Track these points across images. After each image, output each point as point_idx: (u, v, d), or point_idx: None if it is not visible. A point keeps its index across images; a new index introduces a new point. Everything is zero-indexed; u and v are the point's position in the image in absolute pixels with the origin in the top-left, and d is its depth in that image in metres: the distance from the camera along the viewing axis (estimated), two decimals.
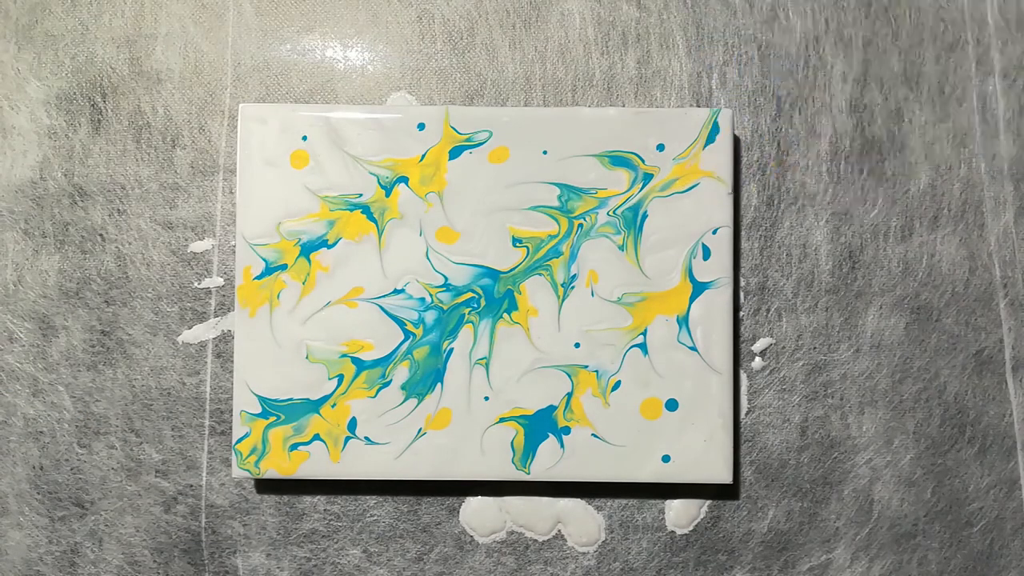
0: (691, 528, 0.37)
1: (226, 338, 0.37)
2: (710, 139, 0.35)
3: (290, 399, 0.35)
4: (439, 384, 0.35)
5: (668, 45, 0.38)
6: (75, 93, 0.38)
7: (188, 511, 0.37)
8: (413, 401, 0.35)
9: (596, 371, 0.35)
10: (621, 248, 0.35)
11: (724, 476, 0.35)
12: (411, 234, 0.35)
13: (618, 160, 0.35)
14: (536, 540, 0.37)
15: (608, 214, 0.35)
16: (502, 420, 0.35)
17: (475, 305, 0.35)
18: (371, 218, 0.35)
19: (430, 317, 0.35)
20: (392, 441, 0.35)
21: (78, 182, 0.37)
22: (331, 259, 0.35)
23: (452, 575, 0.37)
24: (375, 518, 0.37)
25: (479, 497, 0.37)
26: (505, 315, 0.35)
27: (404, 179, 0.35)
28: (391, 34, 0.38)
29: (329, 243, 0.35)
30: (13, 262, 0.37)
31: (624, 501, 0.37)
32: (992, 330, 0.37)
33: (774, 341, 0.37)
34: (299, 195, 0.35)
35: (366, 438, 0.35)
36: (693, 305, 0.35)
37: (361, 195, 0.35)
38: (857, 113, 0.38)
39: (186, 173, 0.37)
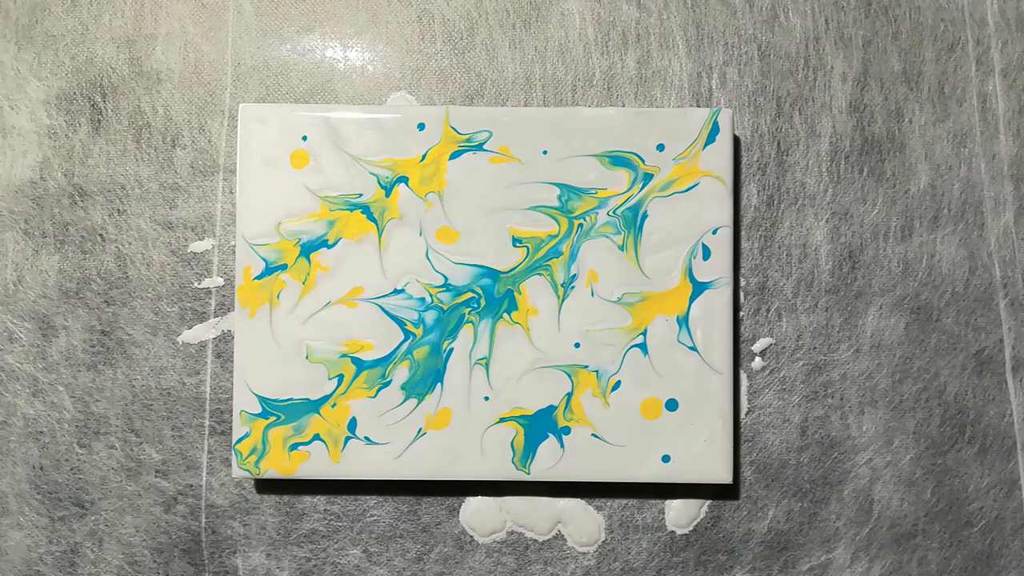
0: (691, 528, 0.37)
1: (226, 338, 0.37)
2: (710, 139, 0.35)
3: (290, 399, 0.35)
4: (439, 384, 0.35)
5: (668, 45, 0.38)
6: (75, 93, 0.38)
7: (188, 511, 0.37)
8: (413, 401, 0.35)
9: (596, 371, 0.35)
10: (621, 248, 0.35)
11: (724, 476, 0.35)
12: (411, 234, 0.35)
13: (618, 160, 0.35)
14: (536, 540, 0.37)
15: (608, 214, 0.35)
16: (502, 420, 0.35)
17: (475, 305, 0.35)
18: (371, 218, 0.35)
19: (430, 317, 0.35)
20: (392, 441, 0.35)
21: (78, 182, 0.37)
22: (331, 259, 0.35)
23: (452, 575, 0.37)
24: (375, 518, 0.37)
25: (479, 497, 0.37)
26: (505, 315, 0.35)
27: (404, 179, 0.35)
28: (391, 34, 0.38)
29: (329, 243, 0.35)
30: (13, 262, 0.37)
31: (624, 501, 0.37)
32: (992, 330, 0.37)
33: (774, 341, 0.37)
34: (299, 195, 0.35)
35: (366, 438, 0.35)
36: (693, 305, 0.35)
37: (361, 195, 0.35)
38: (857, 113, 0.38)
39: (186, 173, 0.37)
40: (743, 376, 0.37)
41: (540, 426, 0.35)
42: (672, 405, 0.35)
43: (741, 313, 0.37)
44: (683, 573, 0.37)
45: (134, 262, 0.37)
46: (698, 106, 0.37)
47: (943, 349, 0.37)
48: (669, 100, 0.37)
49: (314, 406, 0.35)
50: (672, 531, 0.37)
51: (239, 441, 0.35)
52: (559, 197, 0.35)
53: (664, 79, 0.38)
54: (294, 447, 0.35)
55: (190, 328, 0.37)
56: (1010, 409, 0.37)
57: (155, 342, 0.37)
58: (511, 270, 0.35)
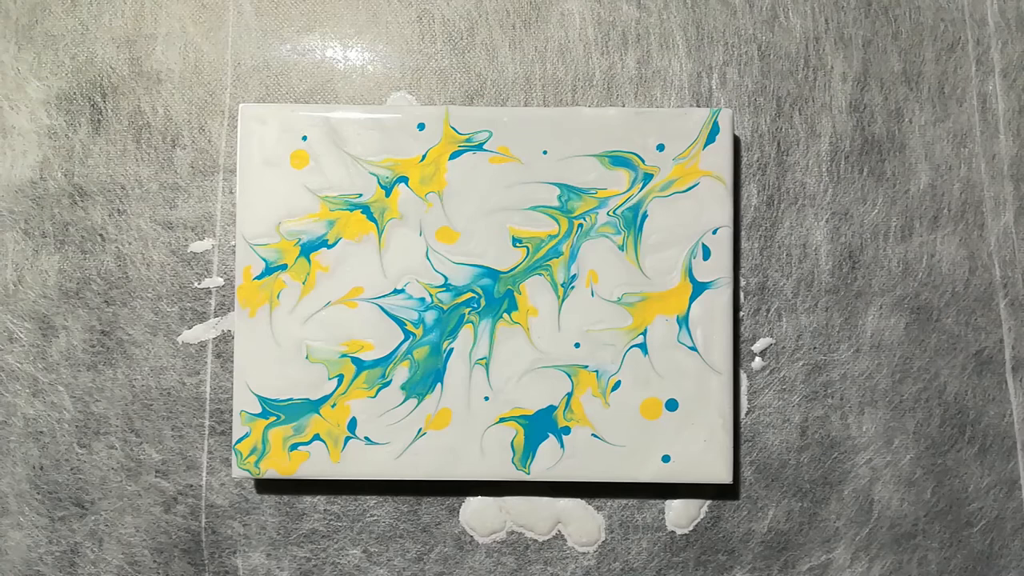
0: (691, 528, 0.37)
1: (226, 338, 0.37)
2: (710, 139, 0.35)
3: (290, 399, 0.35)
4: (439, 384, 0.35)
5: (668, 45, 0.38)
6: (75, 93, 0.38)
7: (188, 511, 0.37)
8: (413, 401, 0.35)
9: (596, 371, 0.35)
10: (621, 248, 0.35)
11: (724, 476, 0.35)
12: (411, 234, 0.35)
13: (618, 160, 0.35)
14: (536, 540, 0.37)
15: (608, 214, 0.35)
16: (502, 420, 0.35)
17: (475, 305, 0.35)
18: (371, 218, 0.35)
19: (430, 317, 0.35)
20: (392, 441, 0.35)
21: (78, 182, 0.37)
22: (331, 259, 0.35)
23: (452, 575, 0.37)
24: (375, 518, 0.37)
25: (479, 497, 0.37)
26: (505, 315, 0.35)
27: (404, 179, 0.35)
28: (391, 34, 0.38)
29: (329, 243, 0.35)
30: (13, 262, 0.37)
31: (624, 501, 0.37)
32: (992, 330, 0.37)
33: (774, 341, 0.37)
34: (299, 195, 0.35)
35: (366, 438, 0.35)
36: (693, 305, 0.35)
37: (361, 195, 0.35)
38: (857, 113, 0.38)
39: (186, 173, 0.37)
40: (743, 376, 0.37)
41: (540, 426, 0.35)
42: (672, 405, 0.35)
43: (741, 313, 0.37)
44: (683, 573, 0.37)
45: (134, 262, 0.37)
46: (698, 106, 0.37)
47: (943, 349, 0.37)
48: (669, 100, 0.37)
49: (314, 406, 0.35)
50: (672, 531, 0.37)
51: (239, 441, 0.35)
52: (559, 197, 0.35)
53: (664, 79, 0.38)
54: (294, 447, 0.35)
55: (190, 328, 0.37)
56: (1010, 409, 0.37)
57: (155, 342, 0.37)
58: (511, 270, 0.35)
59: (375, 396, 0.35)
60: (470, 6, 0.38)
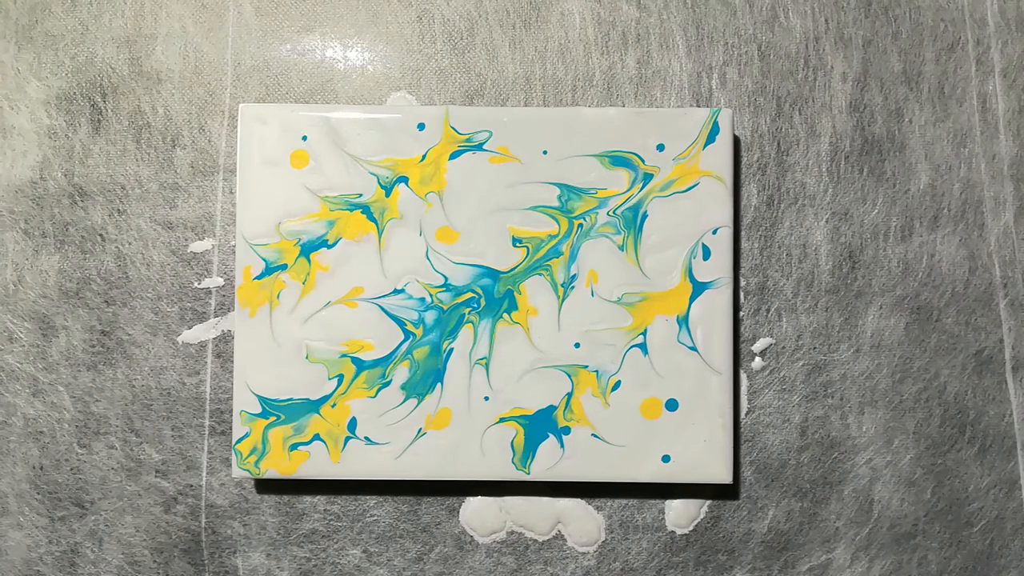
0: (691, 528, 0.37)
1: (226, 338, 0.37)
2: (710, 139, 0.35)
3: (290, 399, 0.35)
4: (439, 384, 0.35)
5: (668, 45, 0.38)
6: (75, 93, 0.38)
7: (188, 511, 0.37)
8: (413, 401, 0.35)
9: (596, 371, 0.35)
10: (621, 248, 0.35)
11: (724, 476, 0.35)
12: (411, 234, 0.35)
13: (618, 160, 0.35)
14: (536, 540, 0.37)
15: (608, 214, 0.35)
16: (502, 420, 0.35)
17: (475, 305, 0.35)
18: (371, 218, 0.35)
19: (430, 317, 0.35)
20: (392, 441, 0.35)
21: (78, 182, 0.37)
22: (331, 259, 0.35)
23: (452, 575, 0.37)
24: (375, 518, 0.37)
25: (479, 497, 0.37)
26: (505, 315, 0.35)
27: (404, 179, 0.35)
28: (391, 34, 0.38)
29: (329, 243, 0.35)
30: (13, 262, 0.37)
31: (624, 501, 0.37)
32: (992, 330, 0.37)
33: (774, 341, 0.37)
34: (299, 195, 0.35)
35: (366, 438, 0.35)
36: (693, 305, 0.35)
37: (361, 195, 0.35)
38: (857, 113, 0.38)
39: (186, 173, 0.38)
40: (743, 376, 0.37)
41: (540, 426, 0.35)
42: (672, 405, 0.35)
43: (741, 313, 0.37)
44: (683, 573, 0.37)
45: (134, 262, 0.37)
46: (698, 106, 0.37)
47: (943, 349, 0.37)
48: (669, 100, 0.37)
49: (314, 406, 0.35)
50: (672, 531, 0.37)
51: (239, 441, 0.35)
52: (559, 197, 0.35)
53: (664, 79, 0.38)
54: (294, 447, 0.35)
55: (190, 328, 0.37)
56: (1010, 409, 0.37)
57: (155, 342, 0.37)
58: (511, 270, 0.35)
59: (375, 396, 0.35)
60: (470, 6, 0.38)
